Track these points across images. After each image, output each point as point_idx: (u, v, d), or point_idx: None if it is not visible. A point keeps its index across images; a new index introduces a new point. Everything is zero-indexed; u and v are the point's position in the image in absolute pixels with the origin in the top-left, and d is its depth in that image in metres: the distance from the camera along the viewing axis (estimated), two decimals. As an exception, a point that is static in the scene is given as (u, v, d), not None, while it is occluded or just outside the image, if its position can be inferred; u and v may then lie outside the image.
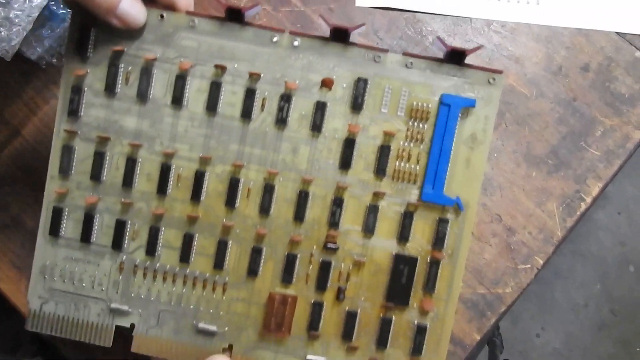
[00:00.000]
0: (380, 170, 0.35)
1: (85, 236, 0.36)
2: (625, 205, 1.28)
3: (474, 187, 0.35)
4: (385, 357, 0.36)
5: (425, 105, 0.35)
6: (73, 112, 0.35)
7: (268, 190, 0.36)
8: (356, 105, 0.35)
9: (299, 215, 0.36)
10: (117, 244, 0.36)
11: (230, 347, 0.36)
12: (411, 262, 0.35)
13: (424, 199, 0.35)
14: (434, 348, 0.35)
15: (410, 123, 0.35)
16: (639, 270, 1.24)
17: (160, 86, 0.36)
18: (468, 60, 0.35)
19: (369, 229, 0.35)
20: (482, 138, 0.35)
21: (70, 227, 0.36)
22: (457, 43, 0.50)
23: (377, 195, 0.35)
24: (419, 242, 0.35)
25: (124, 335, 0.37)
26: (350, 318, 0.35)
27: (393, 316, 0.35)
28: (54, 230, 0.36)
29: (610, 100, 0.49)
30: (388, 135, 0.35)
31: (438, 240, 0.35)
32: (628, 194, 1.28)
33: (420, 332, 0.35)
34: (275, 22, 0.49)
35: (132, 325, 0.36)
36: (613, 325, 1.23)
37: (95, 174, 0.36)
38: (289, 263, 0.36)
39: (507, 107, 0.49)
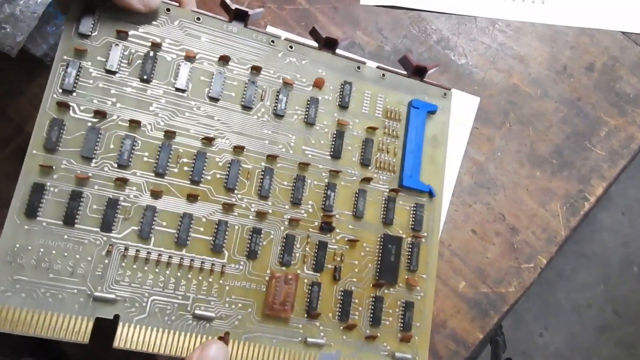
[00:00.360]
0: (365, 160, 0.39)
1: (69, 217, 0.33)
2: (629, 206, 1.28)
3: (439, 179, 0.41)
4: (379, 335, 0.37)
5: (397, 109, 0.40)
6: (67, 86, 0.34)
7: (268, 173, 0.36)
8: (343, 103, 0.39)
9: (296, 198, 0.37)
10: (107, 225, 0.33)
11: (227, 334, 0.34)
12: (398, 241, 0.38)
13: (404, 185, 0.39)
14: (421, 324, 0.38)
15: (387, 123, 0.40)
16: (642, 271, 1.24)
17: (163, 71, 0.36)
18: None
19: (359, 213, 0.38)
20: (442, 139, 0.41)
21: (50, 207, 0.33)
22: (461, 42, 0.50)
23: (364, 182, 0.39)
24: (400, 225, 0.39)
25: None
26: (347, 297, 0.37)
27: (384, 295, 0.38)
28: (31, 210, 0.32)
29: (614, 100, 0.49)
30: (371, 131, 0.39)
31: (416, 223, 0.39)
32: (632, 195, 1.28)
33: (409, 308, 0.38)
34: (280, 20, 0.49)
35: (116, 317, 0.33)
36: (616, 326, 1.22)
37: (87, 152, 0.34)
38: (288, 244, 0.36)
39: (511, 106, 0.49)
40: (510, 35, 0.51)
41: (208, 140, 0.36)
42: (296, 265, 0.36)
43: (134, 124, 0.35)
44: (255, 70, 0.37)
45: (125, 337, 0.33)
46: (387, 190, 0.39)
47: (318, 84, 0.38)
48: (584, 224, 0.49)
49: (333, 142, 0.38)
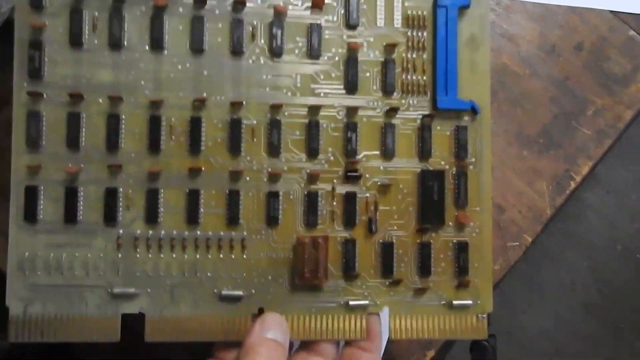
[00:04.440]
0: (388, 86, 0.33)
1: (70, 215, 0.31)
2: (615, 185, 1.28)
3: (484, 89, 0.34)
4: (431, 285, 0.33)
5: (420, 12, 0.34)
6: (35, 71, 0.31)
7: (275, 125, 0.32)
8: (351, 21, 0.33)
9: (312, 148, 0.33)
10: (111, 216, 0.31)
11: (260, 311, 0.32)
12: (439, 175, 0.33)
13: (439, 107, 0.33)
14: (480, 264, 0.34)
15: (409, 33, 0.34)
16: (627, 251, 1.25)
17: (134, 29, 0.31)
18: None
19: (388, 151, 0.33)
20: (482, 38, 0.34)
21: (49, 207, 0.31)
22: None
23: (390, 113, 0.33)
24: (441, 155, 0.34)
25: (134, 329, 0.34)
26: (387, 250, 0.33)
27: (431, 240, 0.33)
28: (30, 214, 0.31)
29: (603, 80, 0.49)
30: (390, 48, 0.33)
31: (460, 149, 0.34)
32: (618, 175, 1.29)
33: (462, 249, 0.33)
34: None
35: (142, 310, 0.31)
36: (600, 305, 1.24)
37: (72, 140, 0.31)
38: (311, 202, 0.32)
39: (500, 86, 0.49)
40: (500, 13, 0.50)
41: (200, 102, 0.32)
42: (324, 224, 0.33)
43: (115, 99, 0.31)
44: (240, 4, 0.32)
45: (154, 330, 0.31)
46: (420, 118, 0.34)
47: (317, 4, 0.33)
48: (570, 203, 0.49)
49: (346, 72, 0.33)
